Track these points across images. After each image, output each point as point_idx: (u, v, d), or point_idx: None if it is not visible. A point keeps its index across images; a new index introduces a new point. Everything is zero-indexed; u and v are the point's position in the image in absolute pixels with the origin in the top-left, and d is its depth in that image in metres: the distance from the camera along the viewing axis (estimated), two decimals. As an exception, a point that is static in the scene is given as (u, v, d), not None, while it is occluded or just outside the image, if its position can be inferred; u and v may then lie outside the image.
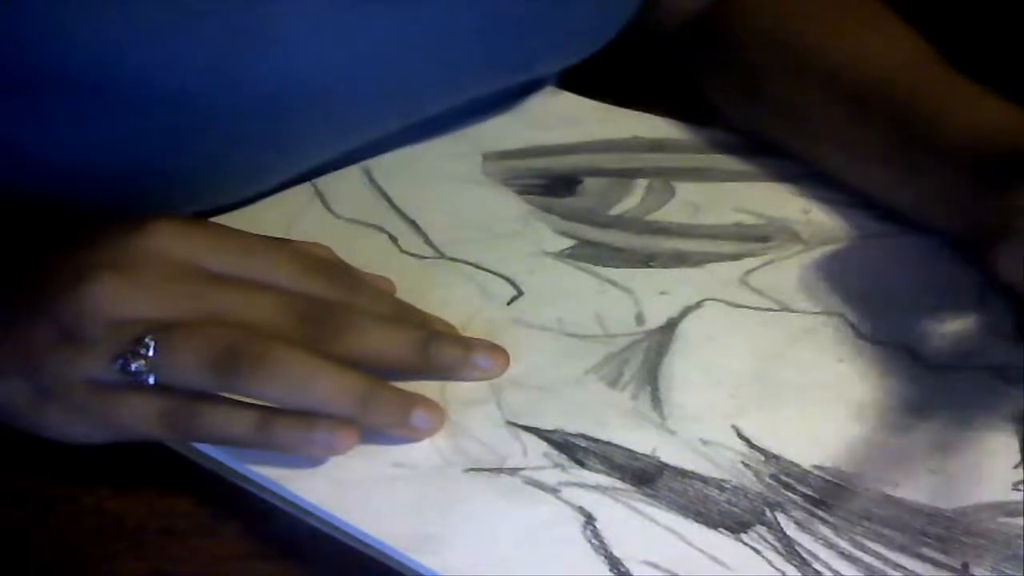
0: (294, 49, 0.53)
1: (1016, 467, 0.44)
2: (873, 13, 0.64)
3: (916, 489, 0.43)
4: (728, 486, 0.42)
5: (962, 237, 0.54)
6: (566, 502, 0.42)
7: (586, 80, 0.69)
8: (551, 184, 0.61)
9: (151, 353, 0.42)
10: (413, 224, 0.57)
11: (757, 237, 0.57)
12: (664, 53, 0.71)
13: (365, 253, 0.52)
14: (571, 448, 0.44)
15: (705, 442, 0.44)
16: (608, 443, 0.44)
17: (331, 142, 0.60)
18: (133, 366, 0.42)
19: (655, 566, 0.39)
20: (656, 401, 0.46)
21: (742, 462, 0.43)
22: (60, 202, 0.51)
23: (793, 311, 0.52)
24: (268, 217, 0.57)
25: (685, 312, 0.51)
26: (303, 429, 0.42)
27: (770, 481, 0.43)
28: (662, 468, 0.43)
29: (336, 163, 0.61)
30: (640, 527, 0.41)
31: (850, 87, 0.59)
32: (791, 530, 0.41)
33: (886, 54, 0.60)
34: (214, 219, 0.56)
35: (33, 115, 0.52)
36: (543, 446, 0.44)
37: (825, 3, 0.66)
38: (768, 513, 0.41)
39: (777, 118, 0.63)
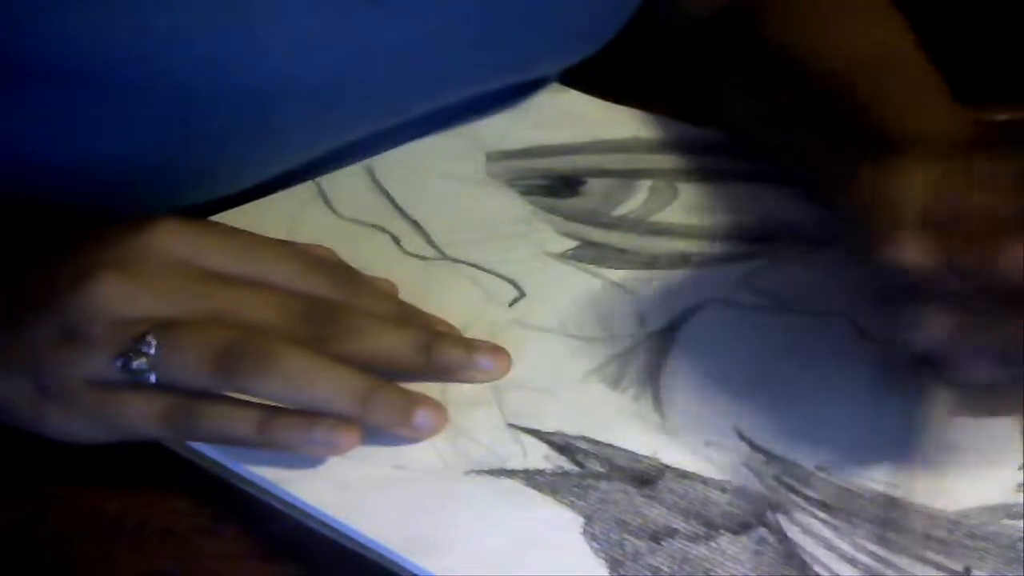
0: (283, 45, 0.53)
1: (1019, 469, 0.44)
2: (866, 4, 0.64)
3: (918, 491, 0.42)
4: (729, 488, 0.42)
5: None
6: (566, 504, 0.41)
7: (589, 77, 0.69)
8: (554, 185, 0.61)
9: (153, 351, 0.42)
10: (415, 224, 0.57)
11: (759, 238, 0.57)
12: (680, 57, 0.71)
13: (367, 253, 0.52)
14: (572, 450, 0.44)
15: (707, 443, 0.44)
16: (609, 445, 0.44)
17: (322, 138, 0.59)
18: (135, 364, 0.42)
19: (655, 569, 0.39)
20: (657, 403, 0.46)
21: (744, 464, 0.43)
22: (54, 198, 0.51)
23: (795, 311, 0.51)
24: (270, 216, 0.57)
25: (687, 313, 0.51)
26: (304, 428, 0.42)
27: (772, 483, 0.43)
28: (663, 470, 0.43)
29: (335, 156, 0.61)
30: (641, 529, 0.41)
31: (811, 81, 0.59)
32: (792, 532, 0.41)
33: (855, 48, 0.60)
34: (216, 217, 0.56)
35: (21, 109, 0.51)
36: (544, 448, 0.44)
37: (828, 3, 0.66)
38: (770, 515, 0.41)
39: (759, 117, 0.63)
